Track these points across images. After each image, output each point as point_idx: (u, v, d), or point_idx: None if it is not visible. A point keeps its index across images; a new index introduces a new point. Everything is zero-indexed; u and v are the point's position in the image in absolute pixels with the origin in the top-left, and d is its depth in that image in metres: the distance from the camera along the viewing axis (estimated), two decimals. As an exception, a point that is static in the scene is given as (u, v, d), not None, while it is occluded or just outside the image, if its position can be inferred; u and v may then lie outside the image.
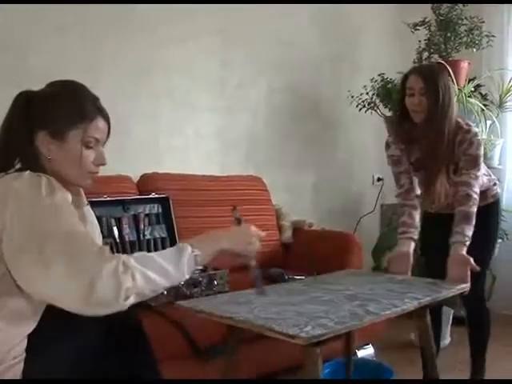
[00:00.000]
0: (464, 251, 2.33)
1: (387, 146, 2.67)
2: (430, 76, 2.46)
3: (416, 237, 2.55)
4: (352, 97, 3.97)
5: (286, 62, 3.99)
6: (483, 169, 2.58)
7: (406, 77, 2.53)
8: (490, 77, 4.04)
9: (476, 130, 2.52)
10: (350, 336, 2.31)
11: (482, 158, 2.50)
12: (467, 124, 2.51)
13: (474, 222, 2.38)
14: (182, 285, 2.58)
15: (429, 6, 4.00)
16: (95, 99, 1.65)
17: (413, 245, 2.52)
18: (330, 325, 1.62)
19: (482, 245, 2.61)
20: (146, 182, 3.20)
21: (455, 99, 2.57)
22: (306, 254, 3.14)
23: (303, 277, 2.72)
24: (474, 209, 2.40)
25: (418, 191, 2.67)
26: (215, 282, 2.68)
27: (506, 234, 4.08)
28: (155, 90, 3.43)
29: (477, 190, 2.45)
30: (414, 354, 3.16)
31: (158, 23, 3.38)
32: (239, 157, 3.80)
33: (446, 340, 3.57)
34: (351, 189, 4.40)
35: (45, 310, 1.58)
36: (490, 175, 2.72)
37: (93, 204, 2.85)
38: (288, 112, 4.02)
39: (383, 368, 2.57)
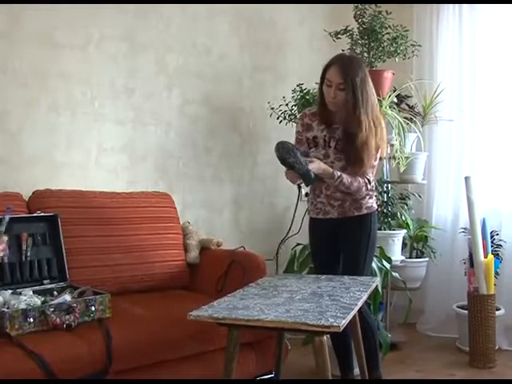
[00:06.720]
0: (329, 169, 2.62)
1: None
2: (349, 72, 2.56)
3: None
4: (272, 108, 3.78)
5: (203, 71, 3.77)
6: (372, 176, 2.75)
7: (327, 66, 2.64)
8: (415, 87, 3.88)
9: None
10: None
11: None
12: None
13: (346, 184, 2.65)
14: (53, 311, 2.33)
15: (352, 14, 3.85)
16: None
17: None
18: (340, 314, 1.89)
19: (354, 256, 2.77)
20: (37, 200, 2.96)
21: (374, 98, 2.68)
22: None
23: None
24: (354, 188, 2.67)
25: None
26: (93, 308, 2.44)
27: (434, 253, 3.90)
28: (52, 99, 3.20)
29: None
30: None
31: (53, 27, 3.16)
32: (148, 172, 3.55)
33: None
34: (276, 206, 4.17)
35: None
36: (370, 186, 2.76)
37: (-35, 223, 2.66)
38: (204, 124, 3.79)
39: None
